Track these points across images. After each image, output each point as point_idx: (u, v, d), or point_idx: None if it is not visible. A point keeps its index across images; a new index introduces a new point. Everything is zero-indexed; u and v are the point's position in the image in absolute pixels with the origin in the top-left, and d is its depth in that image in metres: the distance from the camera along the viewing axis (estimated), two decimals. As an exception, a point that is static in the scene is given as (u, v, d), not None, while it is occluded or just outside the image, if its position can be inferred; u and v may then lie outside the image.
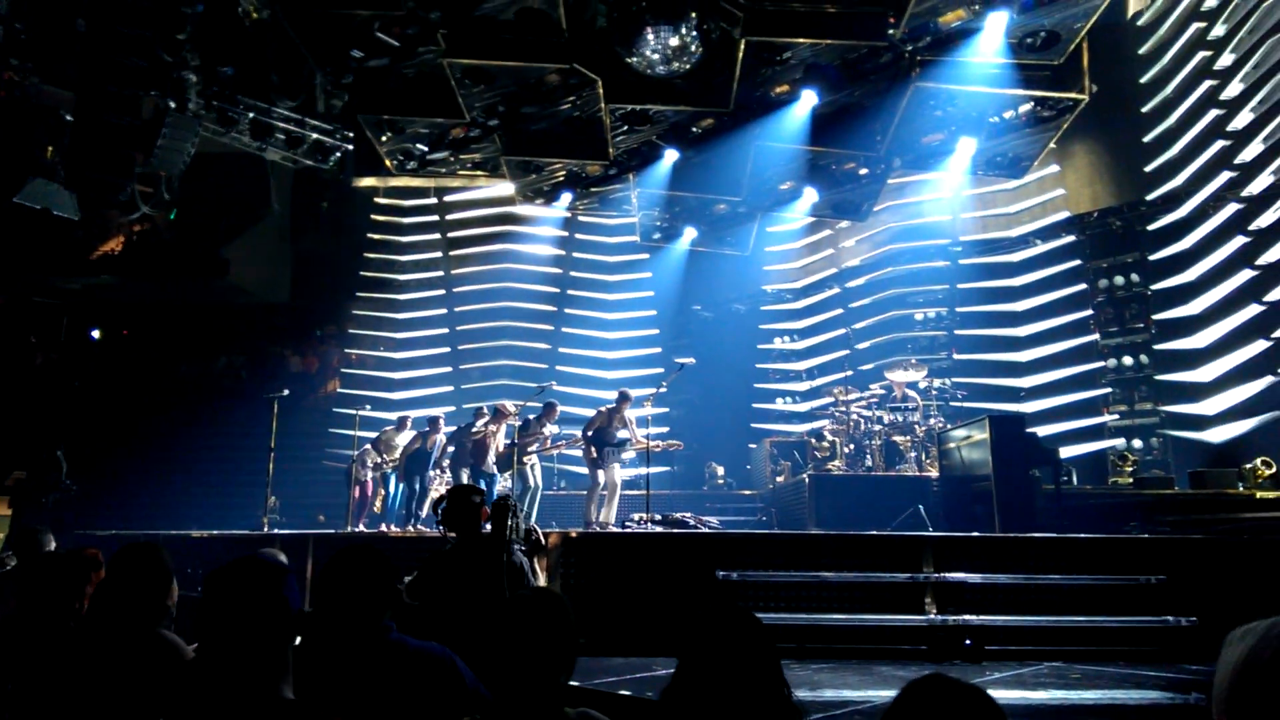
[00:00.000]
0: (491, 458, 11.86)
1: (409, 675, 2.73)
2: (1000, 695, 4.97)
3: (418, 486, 12.67)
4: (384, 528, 13.23)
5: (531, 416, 11.81)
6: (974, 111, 13.28)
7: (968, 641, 6.09)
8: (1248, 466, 9.69)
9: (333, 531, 12.85)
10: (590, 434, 11.14)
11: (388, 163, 15.45)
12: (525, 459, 11.54)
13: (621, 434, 11.15)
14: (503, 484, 12.02)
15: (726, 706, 2.35)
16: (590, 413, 11.70)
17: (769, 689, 2.40)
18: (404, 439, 13.29)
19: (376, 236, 21.57)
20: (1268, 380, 11.57)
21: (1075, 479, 11.64)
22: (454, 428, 13.29)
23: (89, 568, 3.38)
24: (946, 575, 6.50)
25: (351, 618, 2.73)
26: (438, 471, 12.99)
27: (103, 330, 21.54)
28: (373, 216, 21.51)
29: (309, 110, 14.36)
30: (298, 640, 2.58)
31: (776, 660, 2.43)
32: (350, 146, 15.24)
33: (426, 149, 15.14)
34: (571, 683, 5.12)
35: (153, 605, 3.02)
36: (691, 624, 2.46)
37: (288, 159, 14.92)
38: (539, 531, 6.17)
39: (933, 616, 6.35)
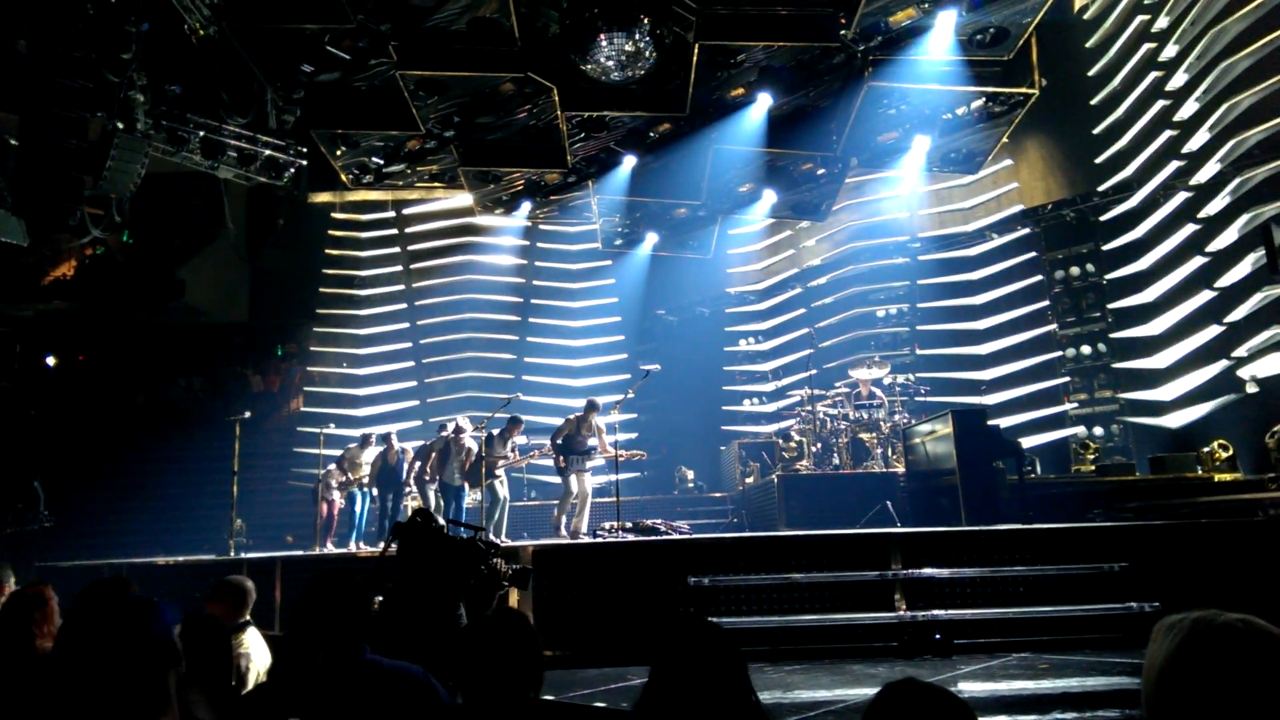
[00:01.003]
0: (458, 472, 11.76)
1: (384, 696, 2.77)
2: (970, 688, 5.02)
3: (390, 504, 12.54)
4: (354, 546, 13.08)
5: (495, 431, 11.71)
6: (927, 109, 13.44)
7: (937, 636, 6.13)
8: (1205, 450, 9.87)
9: (301, 553, 12.68)
10: (559, 442, 11.11)
11: (343, 177, 15.31)
12: (496, 474, 11.45)
13: (591, 442, 11.11)
14: (471, 499, 11.93)
15: (696, 717, 2.36)
16: (559, 421, 11.66)
17: (736, 697, 2.41)
18: (368, 456, 13.16)
19: (335, 252, 21.33)
20: (1222, 364, 11.80)
21: (1039, 468, 11.81)
22: (420, 442, 13.16)
23: (32, 606, 3.29)
24: (915, 571, 6.54)
25: (325, 641, 2.81)
26: (408, 487, 12.88)
27: (58, 357, 21.11)
28: (330, 232, 21.26)
29: (260, 127, 14.13)
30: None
31: (743, 668, 2.44)
32: (304, 162, 15.03)
33: (382, 162, 15.02)
34: (546, 696, 5.07)
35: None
36: (657, 638, 2.47)
37: (241, 176, 14.67)
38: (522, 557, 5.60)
39: (902, 613, 6.39)
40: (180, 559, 11.98)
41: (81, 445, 18.67)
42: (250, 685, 4.43)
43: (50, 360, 21.47)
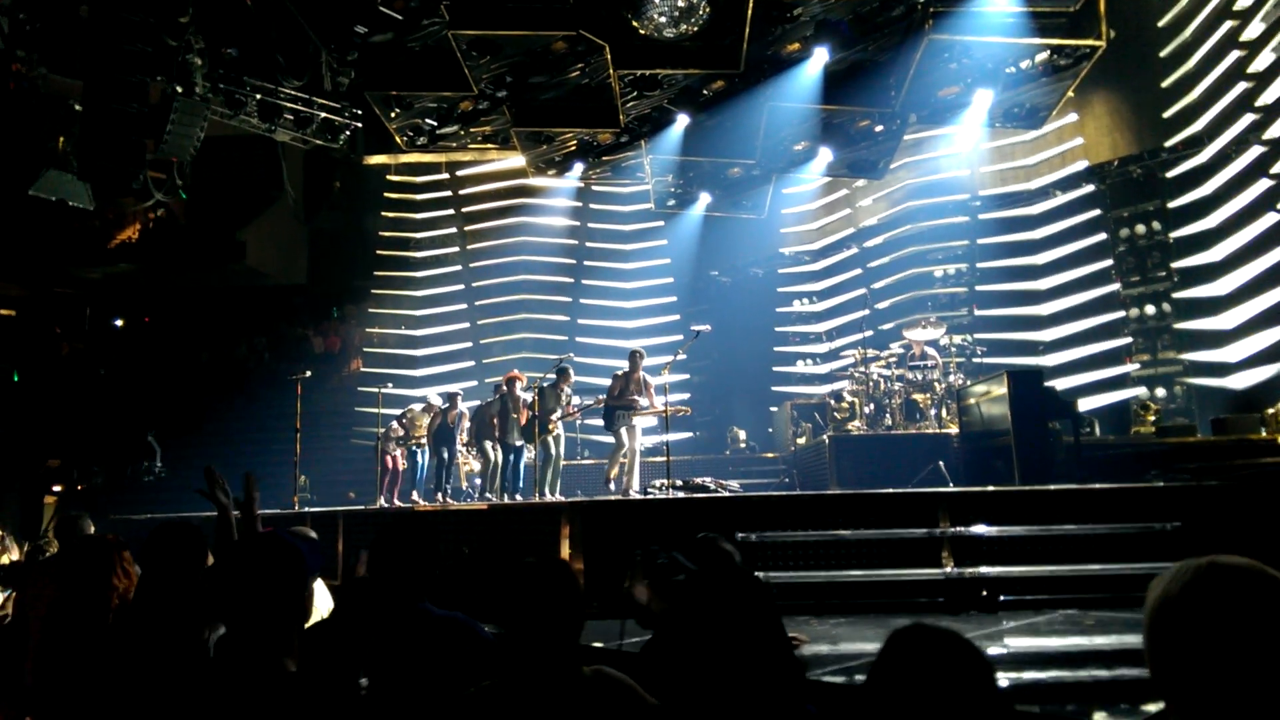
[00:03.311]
0: (516, 430, 11.92)
1: (430, 643, 2.86)
2: (1014, 643, 5.01)
3: (445, 458, 12.87)
4: (414, 497, 13.55)
5: (545, 385, 11.80)
6: (989, 62, 13.05)
7: (984, 592, 6.11)
8: (1270, 411, 9.58)
9: (362, 508, 13.07)
10: (612, 397, 11.19)
11: (397, 139, 15.45)
12: (550, 428, 11.56)
13: (641, 400, 11.11)
14: (529, 456, 12.09)
15: (724, 661, 2.36)
16: (610, 382, 11.72)
17: (769, 643, 2.40)
18: (428, 417, 13.48)
19: (390, 214, 21.62)
20: (1293, 324, 11.41)
21: (1098, 430, 11.57)
22: (476, 403, 13.41)
23: (110, 552, 3.45)
24: (962, 529, 6.51)
25: (386, 589, 2.93)
26: (462, 446, 13.20)
27: (125, 318, 21.85)
28: (386, 194, 21.55)
29: (316, 89, 14.33)
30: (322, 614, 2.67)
31: (776, 615, 2.44)
32: (359, 124, 15.24)
33: (436, 124, 15.12)
34: (595, 644, 5.17)
35: (193, 573, 3.12)
36: (692, 581, 2.48)
37: (297, 139, 14.93)
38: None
39: (949, 569, 6.37)
40: (247, 512, 12.41)
41: (149, 405, 19.34)
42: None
43: (118, 322, 22.25)
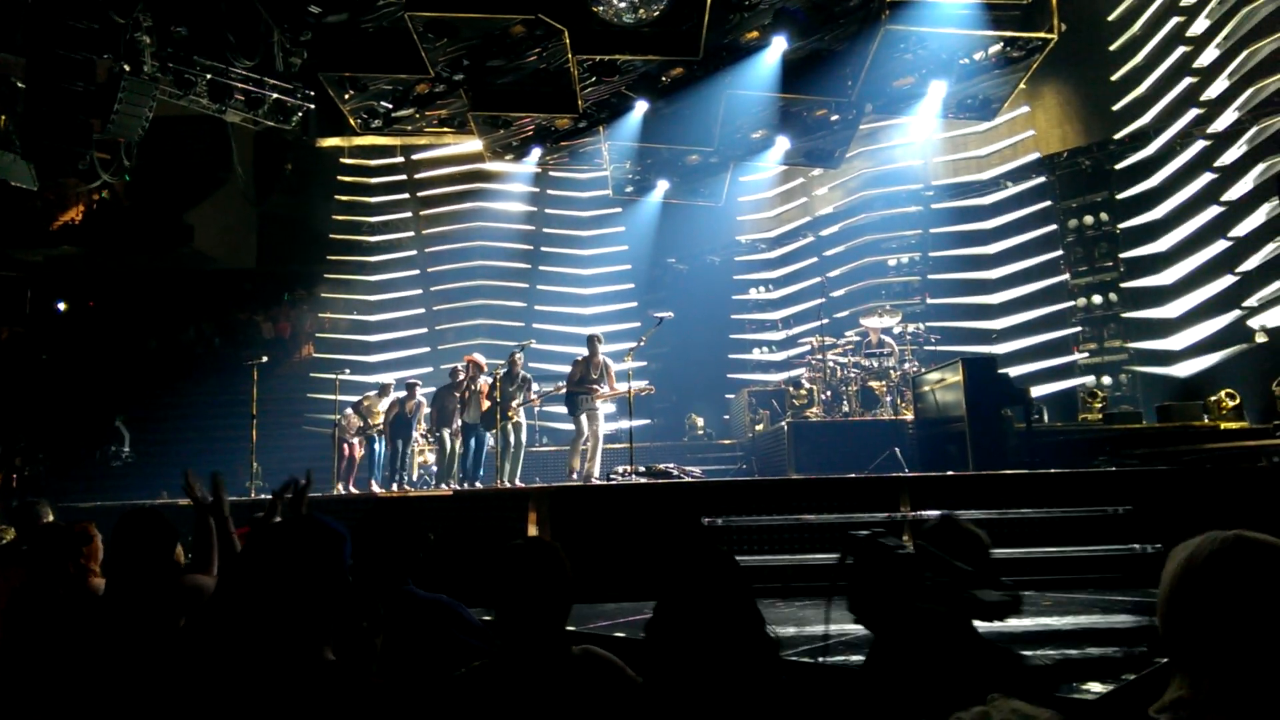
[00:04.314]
0: (475, 414, 11.83)
1: (416, 624, 2.90)
2: (974, 624, 5.12)
3: (400, 447, 12.75)
4: (372, 485, 13.41)
5: (504, 372, 11.70)
6: (944, 53, 13.23)
7: (945, 575, 6.24)
8: (1212, 399, 9.93)
9: (319, 494, 12.91)
10: (572, 383, 11.15)
11: (352, 121, 15.20)
12: (510, 414, 11.48)
13: (603, 388, 11.06)
14: (490, 443, 12.00)
15: (704, 638, 2.38)
16: (569, 369, 11.67)
17: (742, 619, 2.43)
18: (385, 404, 13.33)
19: (344, 198, 21.26)
20: (1234, 314, 11.79)
21: (1046, 417, 11.87)
22: (433, 389, 13.30)
23: (77, 542, 3.39)
24: (923, 513, 6.66)
25: (374, 571, 2.95)
26: (419, 434, 13.08)
27: (68, 302, 21.24)
28: (339, 177, 21.17)
29: (268, 69, 14.04)
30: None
31: (750, 594, 2.47)
32: (312, 106, 14.96)
33: (391, 106, 14.90)
34: (568, 627, 5.20)
35: (164, 561, 3.06)
36: (670, 563, 2.50)
37: (248, 120, 14.62)
38: None
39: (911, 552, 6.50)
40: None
41: (93, 390, 18.84)
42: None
43: (61, 305, 21.63)
